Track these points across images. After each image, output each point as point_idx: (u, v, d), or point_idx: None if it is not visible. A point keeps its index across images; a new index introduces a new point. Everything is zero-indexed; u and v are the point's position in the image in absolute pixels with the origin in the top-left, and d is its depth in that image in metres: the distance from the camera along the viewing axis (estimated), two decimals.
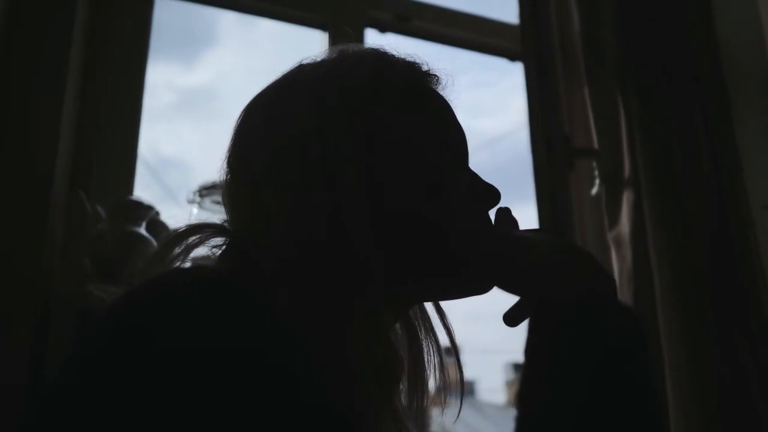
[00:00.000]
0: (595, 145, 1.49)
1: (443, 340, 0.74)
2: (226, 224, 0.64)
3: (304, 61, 0.68)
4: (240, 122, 0.67)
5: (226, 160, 0.66)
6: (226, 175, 0.65)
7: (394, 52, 0.68)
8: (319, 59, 0.67)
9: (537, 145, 1.46)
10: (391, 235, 0.59)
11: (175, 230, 0.60)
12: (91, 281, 0.91)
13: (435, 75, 0.69)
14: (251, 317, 0.48)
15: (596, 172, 1.50)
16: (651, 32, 1.44)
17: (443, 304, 0.74)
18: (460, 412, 0.75)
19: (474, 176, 0.67)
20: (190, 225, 0.61)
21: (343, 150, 0.58)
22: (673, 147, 1.38)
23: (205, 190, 1.35)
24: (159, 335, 0.43)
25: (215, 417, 0.41)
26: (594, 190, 1.51)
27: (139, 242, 1.01)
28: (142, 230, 1.04)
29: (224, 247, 0.61)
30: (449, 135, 0.67)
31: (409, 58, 0.68)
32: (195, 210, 1.33)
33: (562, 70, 1.56)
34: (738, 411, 1.25)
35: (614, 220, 1.45)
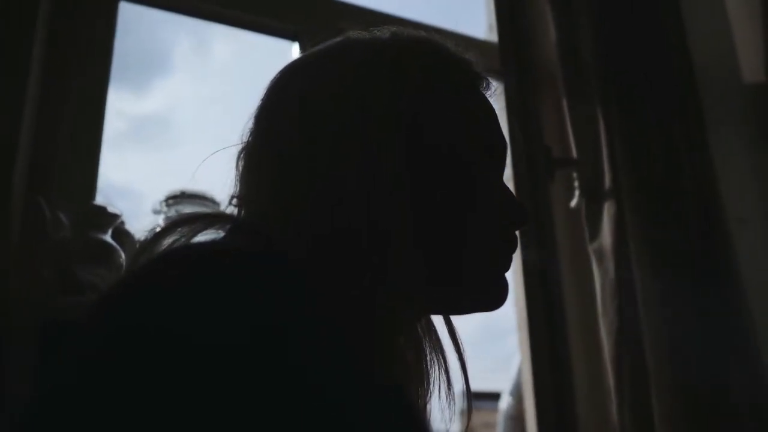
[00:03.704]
0: (574, 155, 1.47)
1: (450, 355, 0.69)
2: (235, 200, 0.58)
3: (352, 35, 0.63)
4: (275, 86, 0.61)
5: (253, 123, 0.60)
6: (249, 140, 0.59)
7: (449, 45, 0.64)
8: (368, 36, 0.62)
9: (517, 156, 1.44)
10: (421, 232, 0.54)
11: (174, 218, 0.53)
12: (53, 290, 0.82)
13: (486, 78, 0.65)
14: (277, 301, 0.41)
15: (576, 183, 1.48)
16: (629, 42, 1.44)
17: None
18: (467, 428, 0.70)
19: (507, 191, 0.63)
20: (189, 213, 0.55)
21: (385, 135, 0.53)
22: (654, 157, 1.37)
23: (172, 200, 1.28)
24: (163, 328, 0.37)
25: (252, 412, 0.35)
26: (573, 202, 1.49)
27: (104, 250, 0.92)
28: (108, 238, 0.96)
29: (230, 227, 0.55)
30: (493, 141, 0.63)
31: (463, 55, 0.64)
32: (161, 221, 1.25)
33: (540, 80, 1.55)
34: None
35: (595, 232, 1.42)
